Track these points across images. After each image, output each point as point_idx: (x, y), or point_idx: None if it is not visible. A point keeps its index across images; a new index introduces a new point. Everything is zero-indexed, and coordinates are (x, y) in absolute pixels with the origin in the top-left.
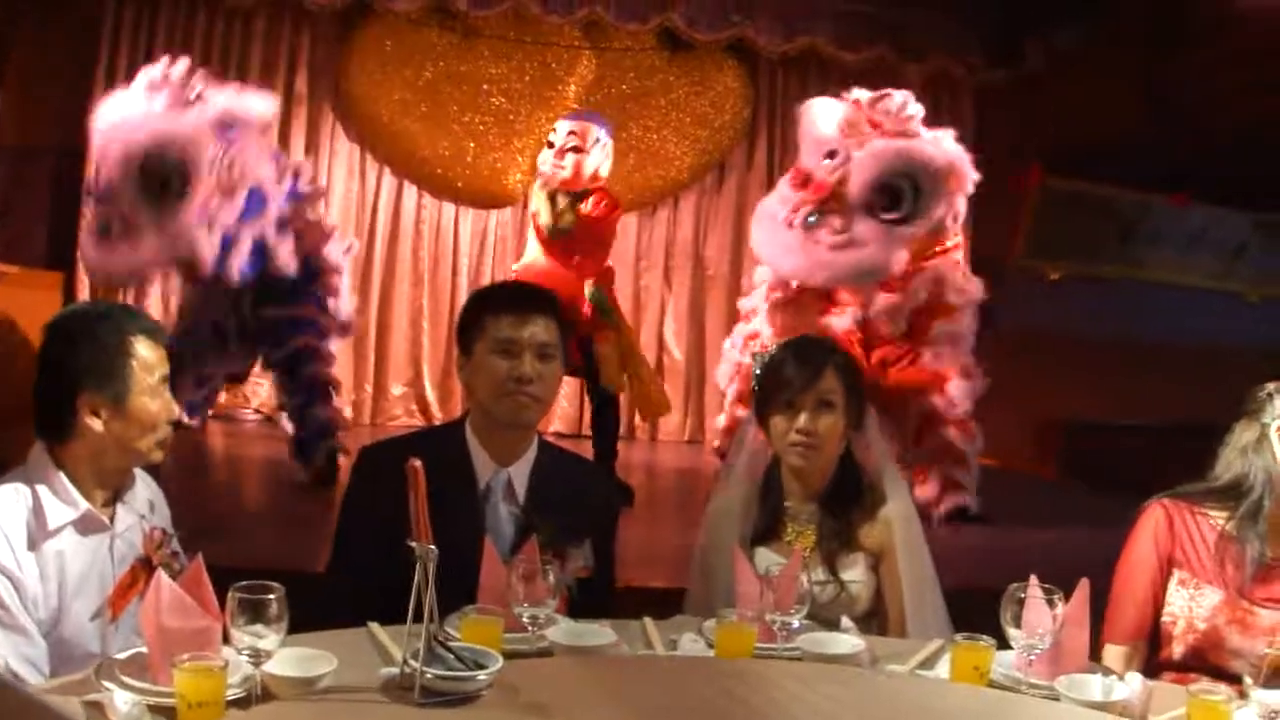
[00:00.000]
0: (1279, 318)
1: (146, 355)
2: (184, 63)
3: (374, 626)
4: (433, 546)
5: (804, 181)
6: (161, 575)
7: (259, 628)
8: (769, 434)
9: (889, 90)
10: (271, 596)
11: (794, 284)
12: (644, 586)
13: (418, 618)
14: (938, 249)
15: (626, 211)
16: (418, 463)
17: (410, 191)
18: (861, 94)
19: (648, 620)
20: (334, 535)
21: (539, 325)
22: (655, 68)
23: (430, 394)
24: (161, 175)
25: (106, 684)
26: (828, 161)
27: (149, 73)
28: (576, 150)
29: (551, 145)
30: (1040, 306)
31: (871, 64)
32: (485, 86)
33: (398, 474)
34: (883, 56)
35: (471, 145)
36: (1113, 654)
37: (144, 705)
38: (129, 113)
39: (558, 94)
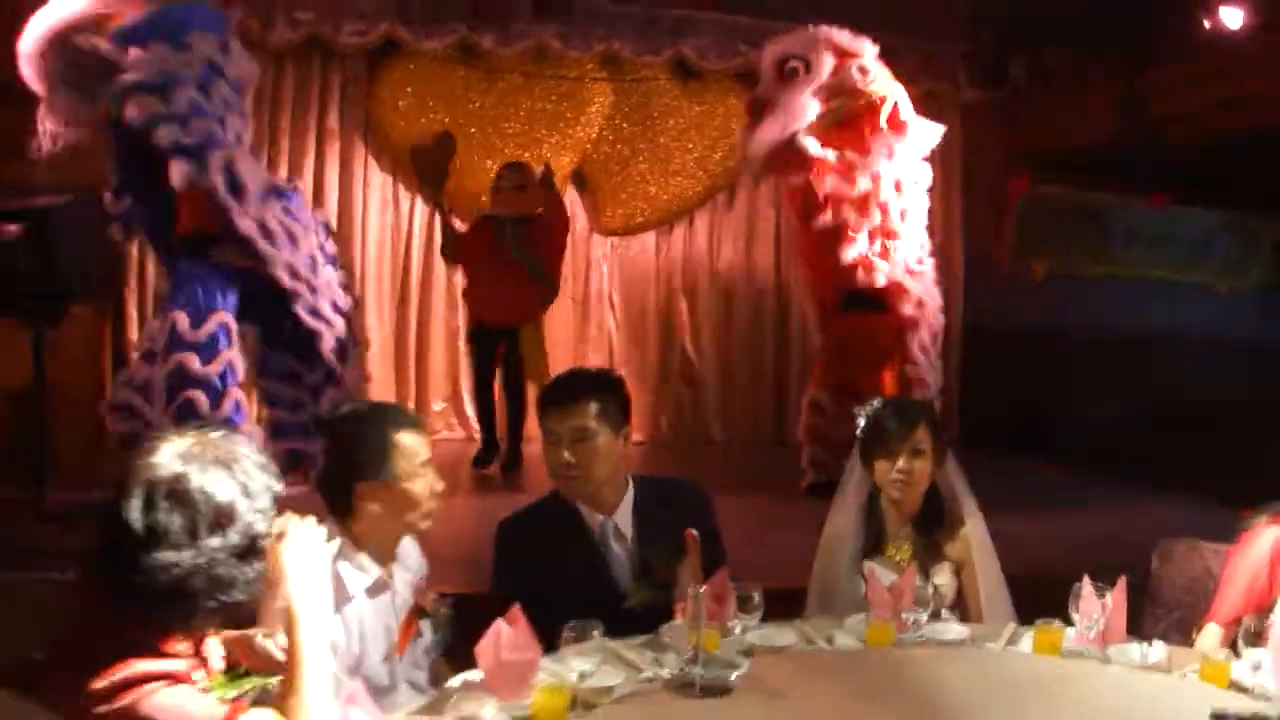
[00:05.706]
0: (1246, 311)
1: (408, 445)
2: None
3: (613, 643)
4: (703, 589)
5: None
6: (501, 623)
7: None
8: (872, 473)
9: None
10: (595, 631)
11: None
12: None
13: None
14: None
15: (644, 229)
16: (694, 532)
17: None
18: None
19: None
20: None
21: (576, 414)
22: (668, 96)
23: (469, 407)
24: None
25: (468, 702)
26: None
27: None
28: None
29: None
30: (1027, 304)
31: None
32: (507, 119)
33: (533, 541)
34: None
35: (494, 167)
36: (1212, 631)
37: (507, 716)
38: None
39: (577, 122)
